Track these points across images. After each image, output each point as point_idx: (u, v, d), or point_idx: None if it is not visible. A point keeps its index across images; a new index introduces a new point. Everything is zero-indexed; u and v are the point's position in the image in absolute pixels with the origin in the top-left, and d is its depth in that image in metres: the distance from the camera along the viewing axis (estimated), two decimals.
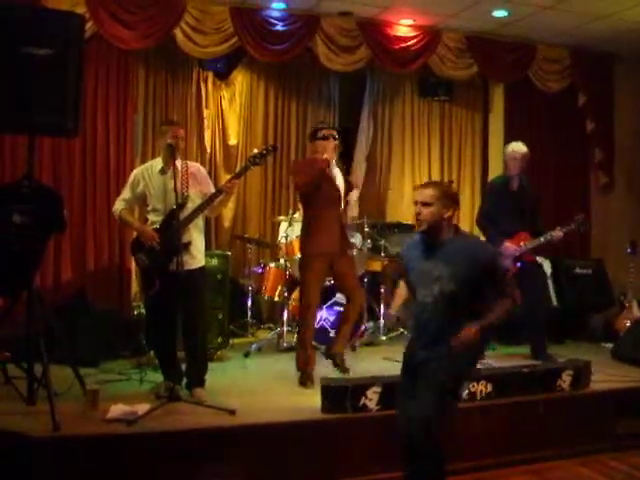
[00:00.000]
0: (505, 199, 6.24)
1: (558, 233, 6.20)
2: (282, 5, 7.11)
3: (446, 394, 3.58)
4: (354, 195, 7.12)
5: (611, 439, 5.10)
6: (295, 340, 6.25)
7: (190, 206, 4.93)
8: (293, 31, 7.22)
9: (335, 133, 5.68)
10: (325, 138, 5.60)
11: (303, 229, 5.77)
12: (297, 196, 6.12)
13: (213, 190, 5.15)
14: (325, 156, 5.53)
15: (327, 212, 5.60)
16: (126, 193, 5.14)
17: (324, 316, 6.80)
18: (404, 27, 7.66)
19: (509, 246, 6.17)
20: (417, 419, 3.50)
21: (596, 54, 8.43)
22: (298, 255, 6.84)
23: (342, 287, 5.94)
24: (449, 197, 3.67)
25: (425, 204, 3.62)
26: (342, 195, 5.77)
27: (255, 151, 5.26)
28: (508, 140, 7.69)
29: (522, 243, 6.20)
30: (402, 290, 4.10)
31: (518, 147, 6.33)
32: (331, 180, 5.65)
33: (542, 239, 6.20)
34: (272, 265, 7.13)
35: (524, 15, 7.27)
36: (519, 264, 6.21)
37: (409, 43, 7.64)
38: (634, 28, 7.46)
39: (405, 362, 3.81)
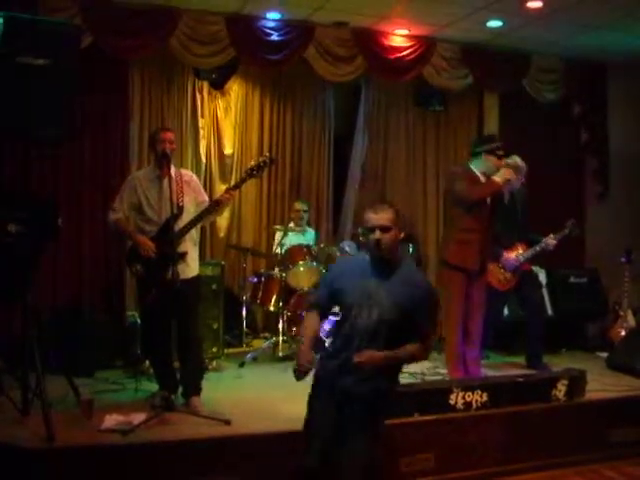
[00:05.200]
0: (499, 212, 6.18)
1: (552, 241, 6.27)
2: (277, 15, 7.13)
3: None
4: None
5: (607, 448, 5.09)
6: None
7: (185, 216, 4.93)
8: (288, 41, 7.24)
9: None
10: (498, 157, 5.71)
11: (446, 240, 5.77)
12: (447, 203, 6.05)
13: (206, 198, 5.18)
14: (501, 178, 5.62)
15: (472, 226, 5.61)
16: (120, 202, 5.09)
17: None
18: (399, 37, 7.68)
19: (509, 257, 6.20)
20: (353, 468, 3.40)
21: (590, 64, 8.47)
22: (300, 263, 6.86)
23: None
24: (402, 218, 3.60)
25: (385, 229, 3.51)
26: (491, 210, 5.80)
27: (252, 163, 5.26)
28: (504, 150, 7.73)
29: (519, 254, 6.23)
30: (313, 321, 3.90)
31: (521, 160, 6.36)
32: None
33: (537, 248, 6.28)
34: (267, 275, 7.13)
35: (518, 25, 7.30)
36: (518, 276, 6.25)
37: (404, 53, 7.66)
38: (626, 38, 7.50)
39: (323, 381, 3.70)
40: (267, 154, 5.56)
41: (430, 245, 8.48)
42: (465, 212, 5.59)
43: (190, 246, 5.02)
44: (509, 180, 5.74)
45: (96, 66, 6.68)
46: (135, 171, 6.50)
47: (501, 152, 5.72)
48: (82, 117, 6.55)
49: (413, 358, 3.64)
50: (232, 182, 7.56)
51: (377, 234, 3.49)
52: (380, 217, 3.53)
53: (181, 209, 4.92)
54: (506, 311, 7.02)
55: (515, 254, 6.23)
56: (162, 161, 4.98)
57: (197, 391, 5.02)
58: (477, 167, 5.70)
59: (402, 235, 3.61)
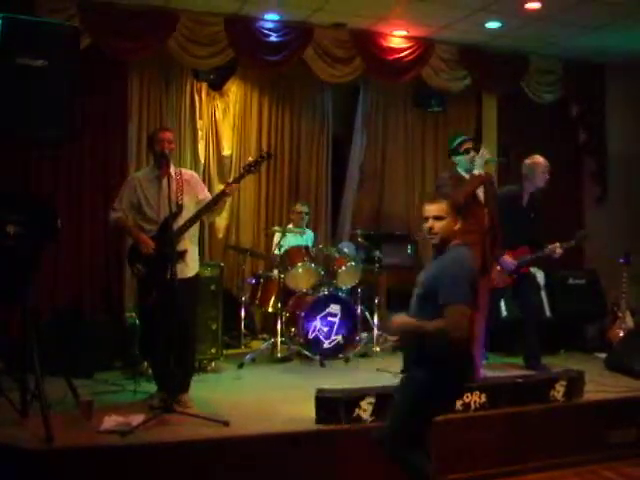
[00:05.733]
0: (513, 214, 6.15)
1: (559, 250, 6.20)
2: (276, 16, 7.14)
3: (415, 408, 3.64)
4: None
5: (605, 449, 5.10)
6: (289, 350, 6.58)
7: (185, 214, 4.93)
8: (287, 42, 7.25)
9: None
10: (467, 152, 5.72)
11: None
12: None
13: (208, 195, 5.17)
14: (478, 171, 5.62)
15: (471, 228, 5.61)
16: (120, 202, 5.12)
17: (318, 327, 6.80)
18: (397, 38, 7.70)
19: (506, 259, 6.17)
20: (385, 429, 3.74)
21: (588, 65, 8.48)
22: (298, 264, 6.88)
23: None
24: (460, 209, 3.74)
25: (437, 218, 3.67)
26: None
27: (250, 159, 5.27)
28: (502, 152, 7.76)
29: (519, 257, 6.20)
30: None
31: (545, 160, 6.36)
32: (476, 196, 5.70)
33: (540, 254, 6.25)
34: (266, 276, 7.14)
35: (517, 27, 7.31)
36: (515, 276, 6.25)
37: (402, 54, 7.67)
38: (625, 39, 7.52)
39: None
40: (265, 150, 5.57)
41: (429, 246, 8.43)
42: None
43: (189, 245, 5.03)
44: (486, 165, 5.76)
45: (95, 67, 6.68)
46: (135, 172, 6.51)
47: (466, 146, 5.74)
48: (81, 118, 6.55)
49: (440, 332, 3.48)
50: None
51: (429, 222, 3.69)
52: (433, 207, 3.70)
53: (180, 207, 4.92)
54: (505, 312, 7.02)
55: (516, 257, 6.19)
56: (161, 161, 5.00)
57: (186, 389, 5.06)
58: (459, 168, 5.77)
59: (458, 225, 3.70)
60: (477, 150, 5.71)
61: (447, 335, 3.47)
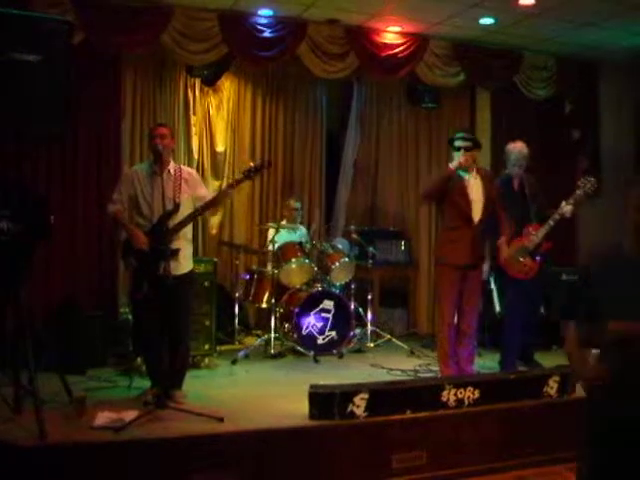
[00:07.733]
0: (508, 198, 6.12)
1: (567, 207, 5.93)
2: (270, 12, 7.12)
3: None
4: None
5: None
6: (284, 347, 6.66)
7: (182, 211, 4.92)
8: (281, 38, 7.22)
9: (469, 144, 5.74)
10: (457, 149, 5.73)
11: (437, 238, 5.84)
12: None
13: (206, 193, 5.19)
14: (453, 164, 5.68)
15: (457, 223, 5.66)
16: (119, 194, 5.12)
17: (312, 323, 6.80)
18: (391, 34, 7.68)
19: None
20: None
21: (582, 62, 8.48)
22: (292, 260, 6.88)
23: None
24: None
25: None
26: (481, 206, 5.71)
27: (251, 165, 5.24)
28: (496, 147, 7.75)
29: (532, 234, 6.04)
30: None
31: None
32: (462, 191, 5.67)
33: (551, 222, 5.96)
34: (259, 271, 7.14)
35: (510, 22, 7.31)
36: (538, 258, 6.07)
37: (396, 50, 7.65)
38: (619, 35, 7.53)
39: None
40: (266, 158, 5.55)
41: (422, 242, 8.47)
42: (440, 209, 5.79)
43: (183, 243, 5.02)
44: (461, 164, 5.68)
45: (88, 63, 6.64)
46: (134, 165, 6.50)
47: (462, 143, 5.72)
48: (74, 114, 6.52)
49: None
50: (224, 179, 7.64)
51: None
52: None
53: (177, 206, 4.91)
54: (498, 307, 7.02)
55: (527, 238, 6.05)
56: (157, 157, 5.00)
57: (179, 386, 5.07)
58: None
59: None
60: (467, 149, 5.69)
61: None
